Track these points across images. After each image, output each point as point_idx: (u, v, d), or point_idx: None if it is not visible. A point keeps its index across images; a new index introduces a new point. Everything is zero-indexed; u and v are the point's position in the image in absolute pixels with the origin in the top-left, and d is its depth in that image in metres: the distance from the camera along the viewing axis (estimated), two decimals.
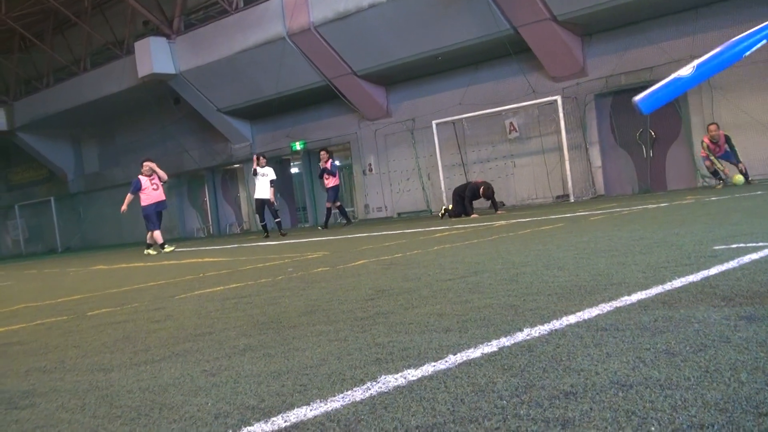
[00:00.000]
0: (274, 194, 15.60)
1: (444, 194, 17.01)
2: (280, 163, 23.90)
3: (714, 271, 3.39)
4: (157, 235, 13.43)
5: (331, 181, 16.40)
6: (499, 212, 13.61)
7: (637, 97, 2.26)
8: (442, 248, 6.81)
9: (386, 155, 20.18)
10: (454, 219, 13.39)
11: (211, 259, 9.82)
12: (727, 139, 12.98)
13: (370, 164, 20.66)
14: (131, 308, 4.84)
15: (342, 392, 2.05)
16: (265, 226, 15.82)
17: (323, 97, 20.34)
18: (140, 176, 13.49)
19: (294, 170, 24.12)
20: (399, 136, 19.74)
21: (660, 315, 2.55)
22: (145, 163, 13.62)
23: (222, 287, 5.50)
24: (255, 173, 15.65)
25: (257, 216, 16.22)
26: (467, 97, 17.93)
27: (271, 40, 18.90)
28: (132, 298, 5.55)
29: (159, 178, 13.58)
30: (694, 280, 3.22)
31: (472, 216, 13.35)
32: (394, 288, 4.20)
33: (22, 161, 32.88)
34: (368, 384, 2.10)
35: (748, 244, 4.19)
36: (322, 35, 17.97)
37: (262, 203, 15.57)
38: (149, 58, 21.12)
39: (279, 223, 15.97)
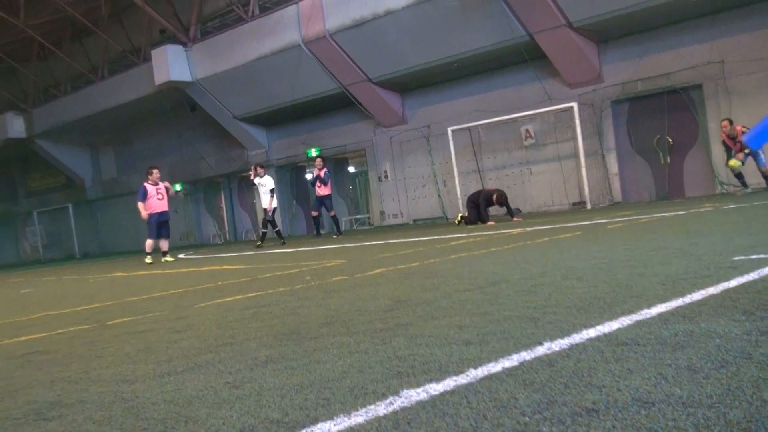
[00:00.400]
0: (271, 203, 15.44)
1: (460, 201, 17.00)
2: (295, 170, 24.03)
3: (734, 283, 3.38)
4: (149, 243, 13.47)
5: (323, 190, 16.21)
6: (515, 219, 13.60)
7: (745, 136, 2.52)
8: (459, 257, 6.81)
9: (402, 162, 20.21)
10: (470, 226, 13.39)
11: (228, 267, 9.88)
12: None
13: (385, 171, 20.70)
14: (152, 317, 4.89)
15: (365, 406, 2.07)
16: (279, 233, 15.90)
17: (339, 104, 20.42)
18: (146, 184, 13.49)
19: (309, 176, 24.16)
20: (414, 143, 19.76)
21: (680, 329, 2.55)
22: (154, 171, 13.63)
23: (241, 296, 5.53)
24: (253, 184, 15.77)
25: (269, 224, 16.27)
26: (483, 104, 17.91)
27: (287, 48, 19.00)
28: (152, 306, 5.60)
29: (167, 191, 13.64)
30: (714, 292, 3.21)
31: (489, 223, 13.35)
32: (412, 298, 4.21)
33: (40, 168, 33.29)
34: (390, 398, 2.11)
35: None
36: (337, 42, 18.05)
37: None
38: (166, 66, 21.31)
39: (266, 234, 15.87)
